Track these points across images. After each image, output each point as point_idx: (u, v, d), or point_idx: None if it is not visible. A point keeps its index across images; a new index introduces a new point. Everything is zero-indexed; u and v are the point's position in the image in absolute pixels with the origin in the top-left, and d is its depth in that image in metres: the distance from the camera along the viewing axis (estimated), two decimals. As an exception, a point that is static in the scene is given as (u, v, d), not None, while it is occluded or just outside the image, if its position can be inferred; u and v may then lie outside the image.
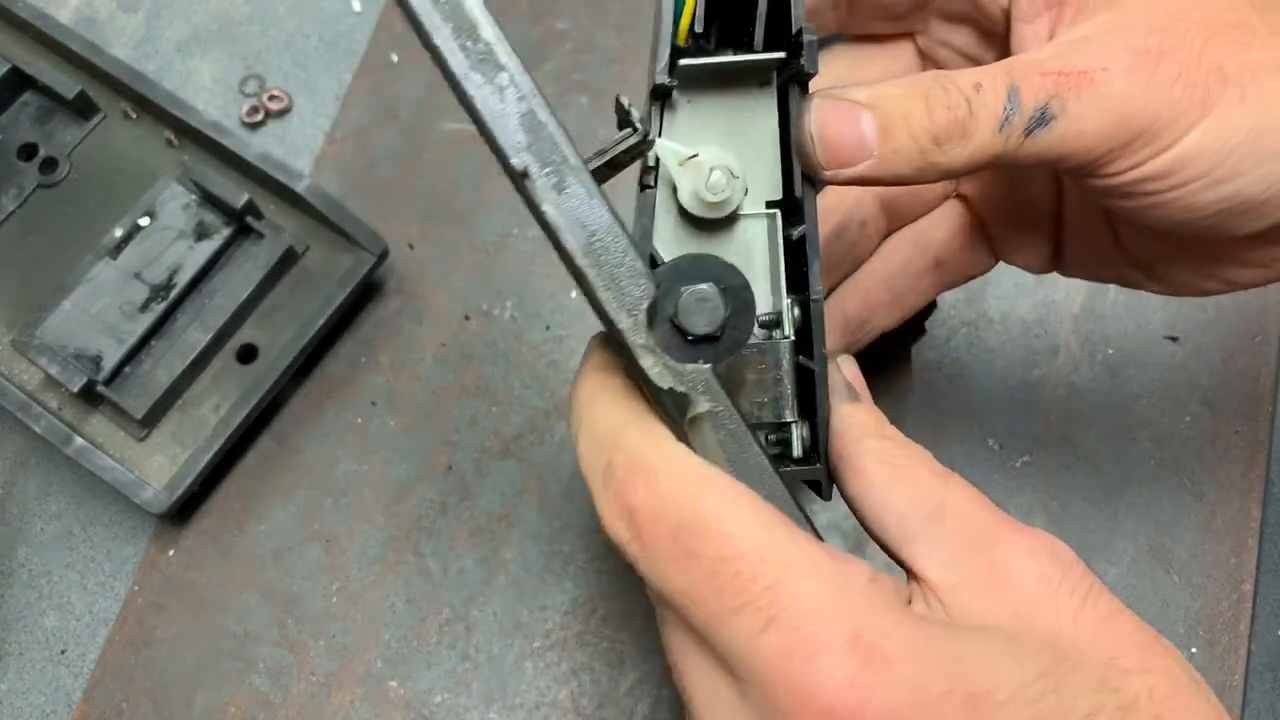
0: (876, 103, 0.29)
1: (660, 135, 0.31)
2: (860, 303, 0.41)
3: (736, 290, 0.28)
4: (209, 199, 0.52)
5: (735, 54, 0.31)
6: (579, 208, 0.26)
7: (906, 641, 0.23)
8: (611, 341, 0.28)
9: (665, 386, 0.28)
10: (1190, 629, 0.47)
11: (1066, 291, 0.52)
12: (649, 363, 0.27)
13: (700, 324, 0.27)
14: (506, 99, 0.26)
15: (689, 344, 0.28)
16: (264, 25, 0.59)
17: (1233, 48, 0.29)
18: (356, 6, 0.59)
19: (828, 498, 0.31)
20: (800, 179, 0.30)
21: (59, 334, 0.50)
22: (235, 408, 0.49)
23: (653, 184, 0.30)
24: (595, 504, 0.27)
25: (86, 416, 0.50)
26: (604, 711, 0.47)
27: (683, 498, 0.25)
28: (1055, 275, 0.52)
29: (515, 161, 0.26)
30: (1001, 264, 0.52)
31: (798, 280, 0.31)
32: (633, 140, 0.28)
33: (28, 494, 0.51)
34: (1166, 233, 0.32)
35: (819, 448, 0.30)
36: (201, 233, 0.52)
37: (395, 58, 0.58)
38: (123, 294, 0.51)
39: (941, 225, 0.41)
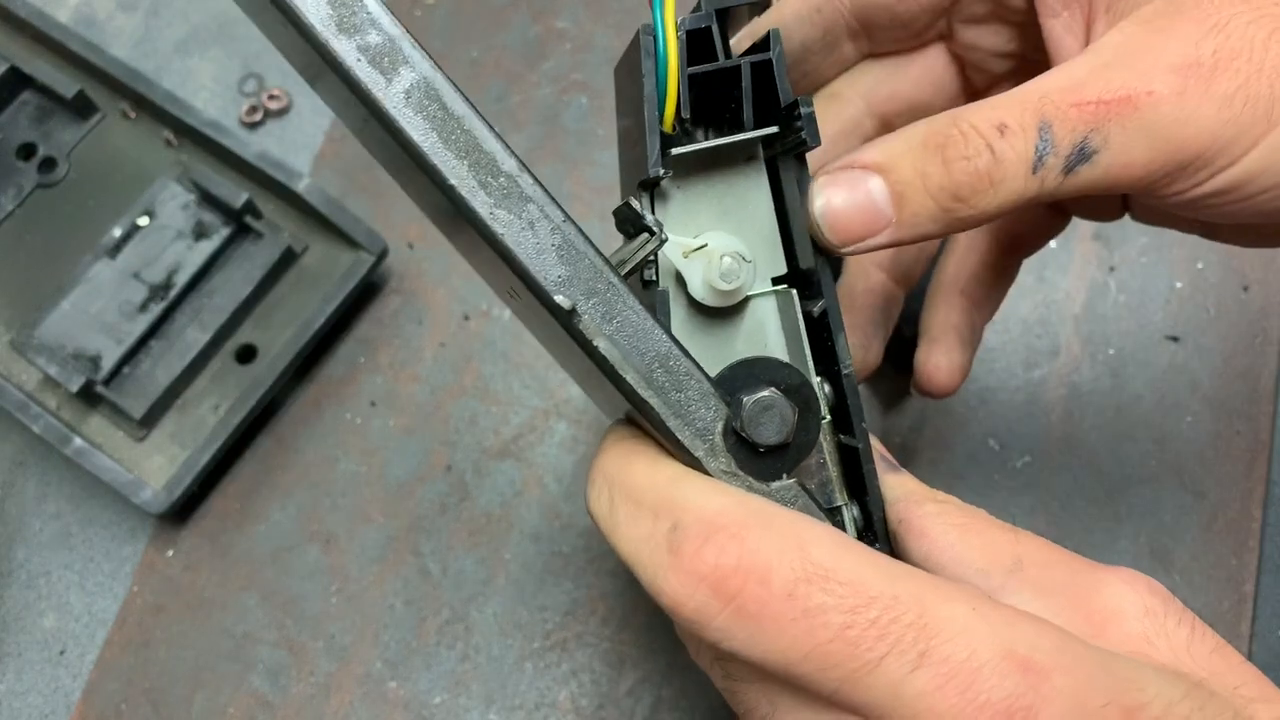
0: (887, 165, 0.27)
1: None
2: (966, 306, 0.38)
3: (798, 390, 0.26)
4: (208, 199, 0.52)
5: (721, 134, 0.29)
6: (634, 336, 0.24)
7: (1055, 651, 0.22)
8: (684, 456, 0.26)
9: None
10: (1191, 629, 0.47)
11: (1067, 291, 0.52)
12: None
13: (770, 434, 0.26)
14: (539, 233, 0.24)
15: (759, 456, 0.26)
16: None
17: None
18: (356, 6, 0.59)
19: None
20: (810, 251, 0.29)
21: (58, 334, 0.50)
22: (234, 408, 0.49)
23: (655, 278, 0.28)
24: (653, 582, 0.24)
25: (85, 417, 0.50)
26: (604, 712, 0.46)
27: (788, 552, 0.23)
28: (1055, 274, 0.52)
29: (560, 299, 0.24)
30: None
31: (822, 355, 0.29)
32: (652, 245, 0.26)
33: (26, 494, 0.51)
34: None
35: (874, 527, 0.29)
36: (200, 232, 0.52)
37: (395, 57, 0.57)
38: (121, 294, 0.51)
39: None
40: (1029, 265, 0.52)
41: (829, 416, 0.29)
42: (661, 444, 0.26)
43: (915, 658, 0.22)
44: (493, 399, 0.51)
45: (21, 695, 0.48)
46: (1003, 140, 0.26)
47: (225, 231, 0.52)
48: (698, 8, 0.29)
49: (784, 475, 0.26)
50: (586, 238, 0.24)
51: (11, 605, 0.49)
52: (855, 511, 0.30)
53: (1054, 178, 0.26)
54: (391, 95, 0.23)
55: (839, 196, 0.27)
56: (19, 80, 0.54)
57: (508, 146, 0.23)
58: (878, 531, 0.29)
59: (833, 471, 0.29)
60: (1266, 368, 0.50)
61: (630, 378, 0.25)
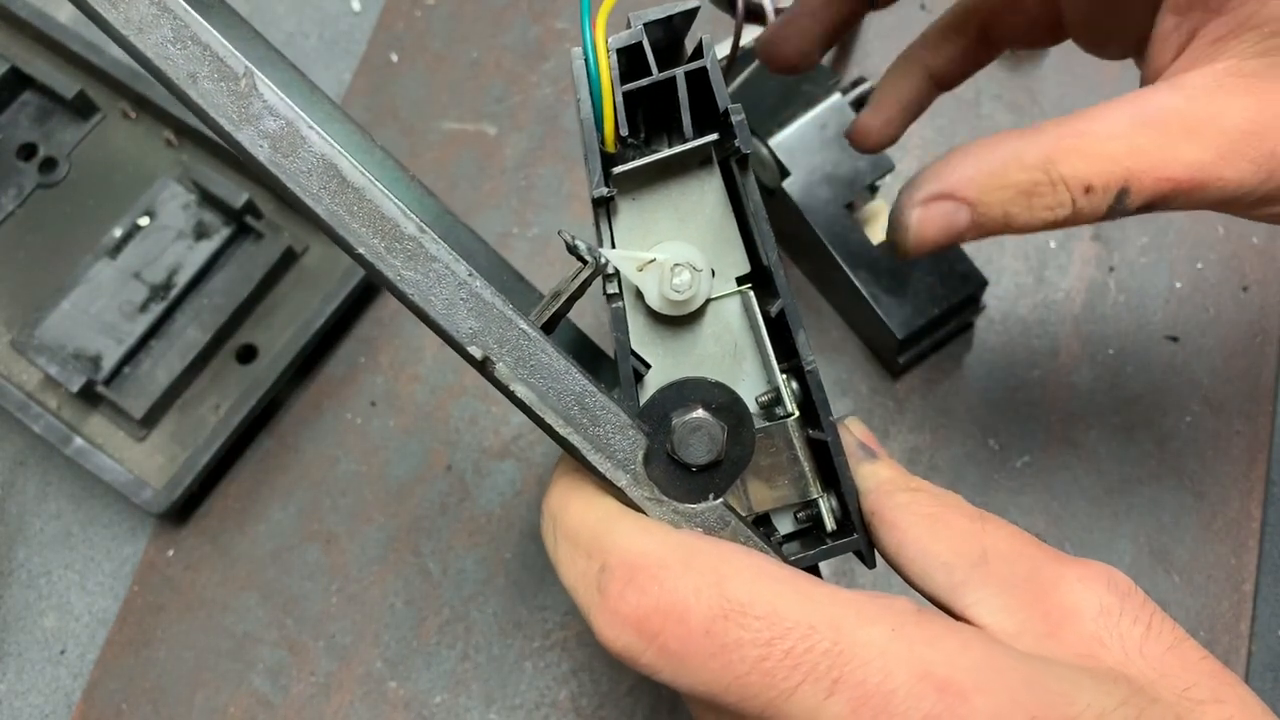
0: (978, 201, 0.29)
1: (611, 243, 0.29)
2: (921, 81, 0.39)
3: (730, 407, 0.27)
4: (208, 198, 0.52)
5: (668, 144, 0.29)
6: (549, 378, 0.26)
7: (976, 669, 0.22)
8: (609, 487, 0.27)
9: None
10: (1191, 629, 0.46)
11: (1066, 292, 0.52)
12: (658, 514, 0.27)
13: (700, 454, 0.27)
14: (447, 289, 0.25)
15: (693, 475, 0.27)
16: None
17: None
18: (356, 6, 0.59)
19: (872, 565, 0.30)
20: (765, 251, 0.29)
21: (58, 334, 0.50)
22: (235, 408, 0.49)
23: (618, 290, 0.29)
24: (587, 619, 0.25)
25: (86, 416, 0.50)
26: (604, 712, 0.46)
27: (705, 589, 0.23)
28: (1055, 274, 0.52)
29: (473, 350, 0.25)
30: (1001, 265, 0.52)
31: (786, 351, 0.30)
32: (586, 274, 0.27)
33: (27, 494, 0.51)
34: None
35: (851, 517, 0.29)
36: (201, 232, 0.52)
37: (395, 57, 0.58)
38: (122, 294, 0.51)
39: None
40: (1029, 265, 0.52)
41: (797, 412, 0.29)
42: (592, 478, 0.27)
43: (829, 685, 0.22)
44: (493, 399, 0.51)
45: (22, 695, 0.48)
46: (1085, 198, 0.28)
47: (226, 231, 0.52)
48: (629, 24, 0.29)
49: (712, 495, 0.27)
50: (496, 289, 0.25)
51: (12, 605, 0.49)
52: (833, 502, 0.30)
53: (1111, 217, 0.29)
54: (294, 174, 0.25)
55: (933, 228, 0.30)
56: (19, 80, 0.54)
57: (408, 210, 0.25)
58: (854, 523, 0.29)
59: (805, 466, 0.30)
60: (1266, 368, 0.50)
61: (549, 418, 0.26)
